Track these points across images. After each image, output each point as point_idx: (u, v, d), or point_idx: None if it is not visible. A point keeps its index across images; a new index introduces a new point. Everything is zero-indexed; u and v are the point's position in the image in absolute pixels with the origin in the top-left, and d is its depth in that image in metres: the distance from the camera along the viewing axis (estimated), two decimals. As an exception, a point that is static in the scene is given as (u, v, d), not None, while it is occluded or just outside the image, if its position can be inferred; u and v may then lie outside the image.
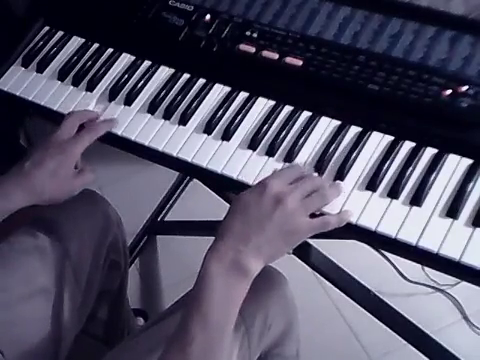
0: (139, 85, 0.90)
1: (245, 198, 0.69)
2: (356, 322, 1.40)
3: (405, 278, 1.30)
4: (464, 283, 0.72)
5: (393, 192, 0.73)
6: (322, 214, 0.72)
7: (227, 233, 0.67)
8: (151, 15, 0.93)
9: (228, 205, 0.71)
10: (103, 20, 0.96)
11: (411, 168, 0.74)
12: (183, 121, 0.85)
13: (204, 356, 0.62)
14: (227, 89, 0.87)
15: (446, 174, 0.73)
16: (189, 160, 0.82)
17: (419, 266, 1.08)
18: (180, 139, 0.84)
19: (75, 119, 0.84)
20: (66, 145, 0.80)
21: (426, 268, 1.32)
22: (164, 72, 0.91)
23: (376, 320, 1.19)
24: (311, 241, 1.18)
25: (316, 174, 0.77)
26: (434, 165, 0.74)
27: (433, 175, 0.73)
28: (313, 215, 0.70)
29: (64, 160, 0.79)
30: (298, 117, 0.82)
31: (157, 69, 0.92)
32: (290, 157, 0.79)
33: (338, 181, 0.75)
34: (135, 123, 0.87)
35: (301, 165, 0.78)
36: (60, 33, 0.99)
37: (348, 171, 0.76)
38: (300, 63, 0.83)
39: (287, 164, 0.79)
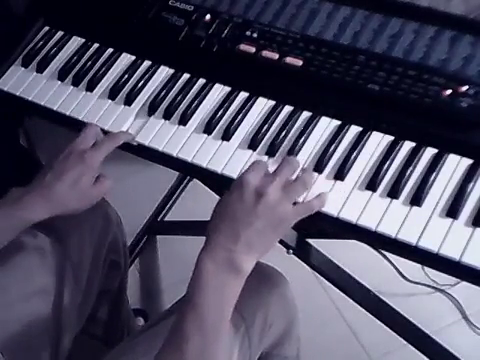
0: (139, 85, 0.90)
1: (227, 198, 0.70)
2: (356, 322, 1.40)
3: (405, 278, 1.30)
4: (464, 283, 0.72)
5: (393, 192, 0.73)
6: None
7: (216, 234, 0.68)
8: (151, 15, 0.93)
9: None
10: (103, 20, 0.96)
11: (411, 168, 0.74)
12: (183, 121, 0.85)
13: (200, 355, 0.63)
14: (227, 89, 0.87)
15: (446, 174, 0.73)
16: (189, 160, 0.82)
17: (419, 266, 1.08)
18: (180, 139, 0.84)
19: (94, 129, 0.83)
20: (86, 155, 0.79)
21: (426, 268, 1.32)
22: (164, 72, 0.91)
23: (376, 320, 1.19)
24: (311, 241, 1.18)
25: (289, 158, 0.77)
26: (434, 165, 0.74)
27: (433, 175, 0.73)
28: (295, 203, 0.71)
29: (85, 170, 0.78)
30: (298, 117, 0.82)
31: (157, 69, 0.92)
32: (290, 157, 0.79)
33: (357, 191, 0.75)
34: (135, 123, 0.87)
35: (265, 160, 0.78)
36: (60, 33, 0.99)
37: (348, 171, 0.76)
38: (300, 63, 0.83)
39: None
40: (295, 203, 0.71)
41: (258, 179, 0.69)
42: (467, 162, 0.73)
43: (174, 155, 0.83)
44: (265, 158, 0.80)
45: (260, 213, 0.67)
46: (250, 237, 0.67)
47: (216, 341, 0.64)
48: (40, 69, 0.95)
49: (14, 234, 0.77)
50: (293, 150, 0.79)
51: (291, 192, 0.70)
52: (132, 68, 0.92)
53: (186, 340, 0.62)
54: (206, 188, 1.16)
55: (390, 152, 0.76)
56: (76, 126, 0.87)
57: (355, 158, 0.77)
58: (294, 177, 0.73)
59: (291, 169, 0.73)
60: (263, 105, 0.84)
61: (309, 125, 0.81)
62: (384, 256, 1.09)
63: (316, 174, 0.76)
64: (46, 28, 1.00)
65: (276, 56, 0.84)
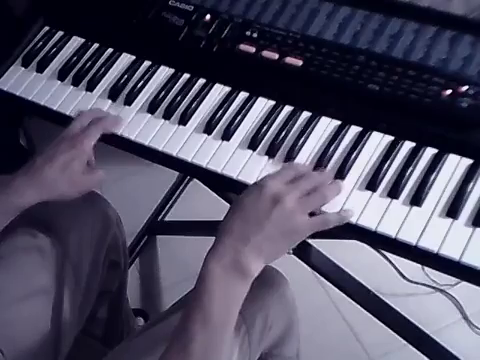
0: (139, 85, 0.90)
1: (243, 199, 0.69)
2: (356, 322, 1.40)
3: (405, 278, 1.30)
4: (464, 283, 0.72)
5: (393, 192, 0.73)
6: (322, 213, 0.72)
7: (227, 234, 0.67)
8: (151, 15, 0.93)
9: (228, 205, 0.71)
10: (103, 20, 0.96)
11: (411, 168, 0.74)
12: (183, 121, 0.85)
13: (205, 355, 0.63)
14: (227, 89, 0.87)
15: (446, 174, 0.73)
16: (189, 160, 0.82)
17: (419, 266, 1.08)
18: (180, 139, 0.84)
19: (86, 117, 0.84)
20: (76, 140, 0.80)
21: (426, 268, 1.32)
22: (164, 72, 0.91)
23: (376, 320, 1.19)
24: (311, 241, 1.18)
25: (315, 171, 0.76)
26: (434, 165, 0.74)
27: (433, 175, 0.73)
28: (313, 213, 0.70)
29: (75, 154, 0.79)
30: (298, 117, 0.82)
31: (157, 69, 0.92)
32: (290, 157, 0.79)
33: (338, 179, 0.75)
34: (135, 123, 0.87)
35: (300, 163, 0.78)
36: (60, 33, 0.99)
37: (348, 171, 0.76)
38: (300, 63, 0.83)
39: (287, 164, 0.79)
40: (314, 214, 0.70)
41: (278, 186, 0.69)
42: (467, 162, 0.73)
43: (174, 155, 0.83)
44: (265, 158, 0.80)
45: (273, 220, 0.66)
46: (260, 242, 0.66)
47: (221, 341, 0.64)
48: (40, 69, 0.95)
49: (6, 219, 0.78)
50: (293, 150, 0.79)
51: (308, 204, 0.69)
52: (132, 68, 0.92)
53: (191, 340, 0.62)
54: (206, 188, 1.16)
55: (390, 152, 0.76)
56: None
57: (355, 158, 0.77)
58: (323, 186, 0.72)
59: (315, 183, 0.71)
60: (263, 105, 0.84)
61: (309, 125, 0.81)
62: (384, 256, 1.10)
63: (343, 187, 0.74)
64: (46, 28, 1.00)
65: (276, 56, 0.84)
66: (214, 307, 0.64)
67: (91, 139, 0.81)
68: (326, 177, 0.74)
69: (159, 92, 0.89)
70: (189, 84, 0.89)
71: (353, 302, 1.21)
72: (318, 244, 1.18)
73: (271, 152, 0.80)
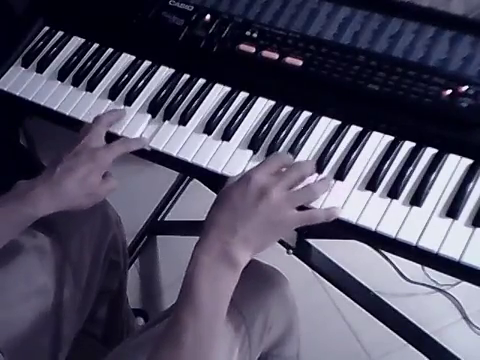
0: (139, 85, 0.90)
1: (230, 191, 0.70)
2: (356, 322, 1.40)
3: (405, 278, 1.30)
4: (464, 283, 0.72)
5: (393, 192, 0.73)
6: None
7: (214, 225, 0.68)
8: (151, 15, 0.93)
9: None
10: (103, 20, 0.96)
11: (411, 168, 0.74)
12: (183, 121, 0.85)
13: (196, 346, 0.63)
14: (227, 89, 0.87)
15: (446, 174, 0.73)
16: (189, 160, 0.82)
17: (419, 266, 1.08)
18: (180, 139, 0.84)
19: (103, 124, 0.83)
20: (98, 154, 0.78)
21: (426, 268, 1.32)
22: (164, 72, 0.91)
23: (376, 320, 1.19)
24: (311, 241, 1.18)
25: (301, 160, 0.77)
26: (434, 165, 0.74)
27: (433, 175, 0.73)
28: (303, 207, 0.70)
29: (95, 168, 0.78)
30: (298, 117, 0.82)
31: (157, 69, 0.92)
32: (290, 157, 0.79)
33: (325, 175, 0.76)
34: (135, 123, 0.87)
35: (284, 153, 0.78)
36: (60, 33, 0.99)
37: (348, 171, 0.76)
38: (300, 63, 0.83)
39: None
40: (303, 208, 0.70)
41: (265, 177, 0.69)
42: (467, 162, 0.73)
43: (174, 155, 0.83)
44: (265, 158, 0.80)
45: (260, 211, 0.67)
46: (247, 233, 0.67)
47: (212, 332, 0.64)
48: (40, 69, 0.95)
49: (19, 229, 0.77)
50: (293, 150, 0.79)
51: (295, 198, 0.70)
52: (132, 68, 0.92)
53: (182, 331, 0.63)
54: (206, 188, 1.16)
55: (390, 152, 0.76)
56: (76, 126, 0.87)
57: (355, 158, 0.77)
58: (312, 182, 0.73)
59: (300, 173, 0.72)
60: (263, 105, 0.84)
61: (309, 125, 0.81)
62: (384, 256, 1.09)
63: (334, 183, 0.75)
64: (46, 28, 1.00)
65: (276, 56, 0.84)
66: (203, 298, 0.64)
67: (113, 156, 0.80)
68: (310, 165, 0.75)
69: (159, 92, 0.89)
70: (189, 84, 0.89)
71: (353, 302, 1.21)
72: (318, 244, 1.18)
73: (271, 152, 0.80)
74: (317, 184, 0.74)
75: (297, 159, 0.78)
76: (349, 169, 0.76)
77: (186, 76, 0.90)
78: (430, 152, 0.75)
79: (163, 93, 0.88)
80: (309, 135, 0.80)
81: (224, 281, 0.66)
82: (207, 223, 0.68)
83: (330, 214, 0.71)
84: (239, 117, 0.84)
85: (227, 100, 0.86)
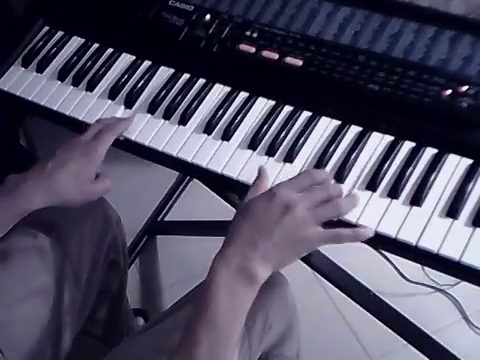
0: (139, 85, 0.90)
1: (254, 204, 0.68)
2: (356, 322, 1.40)
3: (405, 278, 1.30)
4: (464, 283, 0.72)
5: (393, 192, 0.73)
6: (340, 223, 0.70)
7: (235, 239, 0.66)
8: (151, 15, 0.93)
9: (228, 205, 0.71)
10: (103, 20, 0.96)
11: (411, 168, 0.74)
12: (183, 121, 0.85)
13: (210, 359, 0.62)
14: (227, 89, 0.87)
15: (446, 174, 0.73)
16: (189, 160, 0.82)
17: (419, 266, 1.08)
18: (180, 139, 0.84)
19: (102, 125, 0.83)
20: (90, 148, 0.79)
21: (426, 268, 1.32)
22: (164, 72, 0.91)
23: (376, 320, 1.19)
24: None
25: (333, 181, 0.75)
26: (434, 165, 0.74)
27: (433, 175, 0.73)
28: (330, 224, 0.67)
29: (87, 163, 0.78)
30: (298, 117, 0.82)
31: (157, 69, 0.92)
32: (290, 157, 0.79)
33: (357, 191, 0.74)
34: (135, 123, 0.87)
35: (318, 170, 0.76)
36: (60, 33, 0.99)
37: (348, 171, 0.76)
38: (300, 63, 0.83)
39: (287, 164, 0.79)
40: (331, 225, 0.68)
41: (291, 193, 0.67)
42: (467, 162, 0.73)
43: (174, 155, 0.83)
44: (265, 158, 0.80)
45: (283, 228, 0.66)
46: (268, 249, 0.65)
47: (227, 347, 0.64)
48: (40, 69, 0.95)
49: (11, 223, 0.77)
50: (293, 150, 0.79)
51: (320, 214, 0.67)
52: (132, 68, 0.92)
53: (197, 344, 0.62)
54: (206, 188, 1.15)
55: (390, 152, 0.76)
56: (76, 126, 0.87)
57: (355, 158, 0.77)
58: (340, 198, 0.70)
59: (328, 194, 0.69)
60: (263, 105, 0.84)
61: (309, 125, 0.81)
62: (384, 256, 1.09)
63: (358, 197, 0.72)
64: (46, 28, 1.00)
65: (276, 56, 0.84)
66: (220, 312, 0.63)
67: (104, 146, 0.80)
68: (339, 188, 0.71)
69: (159, 92, 0.89)
70: (189, 84, 0.89)
71: (353, 302, 1.21)
72: (318, 244, 1.18)
73: (271, 152, 0.80)
74: (345, 200, 0.71)
75: (297, 160, 0.79)
76: (349, 169, 0.76)
77: (186, 76, 0.90)
78: (430, 152, 0.75)
79: (163, 93, 0.88)
80: (309, 135, 0.80)
81: (241, 297, 0.65)
82: (229, 233, 0.67)
83: (357, 234, 0.68)
84: (239, 117, 0.84)
85: (227, 100, 0.86)
